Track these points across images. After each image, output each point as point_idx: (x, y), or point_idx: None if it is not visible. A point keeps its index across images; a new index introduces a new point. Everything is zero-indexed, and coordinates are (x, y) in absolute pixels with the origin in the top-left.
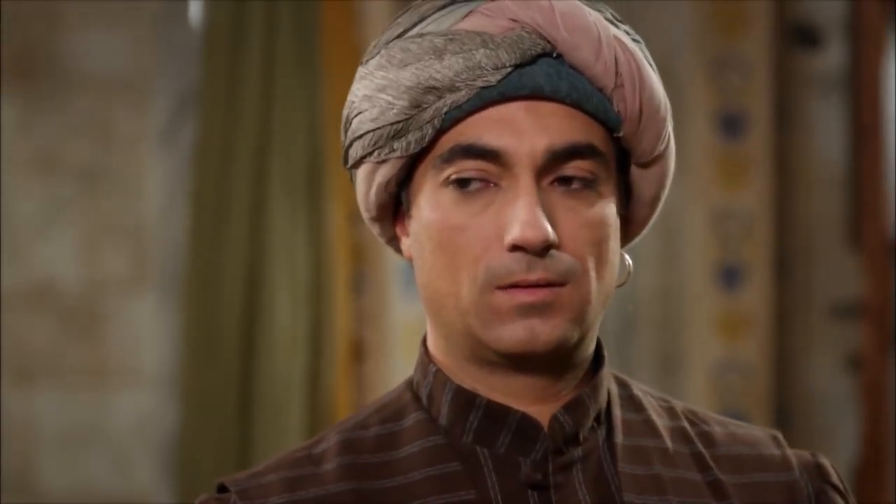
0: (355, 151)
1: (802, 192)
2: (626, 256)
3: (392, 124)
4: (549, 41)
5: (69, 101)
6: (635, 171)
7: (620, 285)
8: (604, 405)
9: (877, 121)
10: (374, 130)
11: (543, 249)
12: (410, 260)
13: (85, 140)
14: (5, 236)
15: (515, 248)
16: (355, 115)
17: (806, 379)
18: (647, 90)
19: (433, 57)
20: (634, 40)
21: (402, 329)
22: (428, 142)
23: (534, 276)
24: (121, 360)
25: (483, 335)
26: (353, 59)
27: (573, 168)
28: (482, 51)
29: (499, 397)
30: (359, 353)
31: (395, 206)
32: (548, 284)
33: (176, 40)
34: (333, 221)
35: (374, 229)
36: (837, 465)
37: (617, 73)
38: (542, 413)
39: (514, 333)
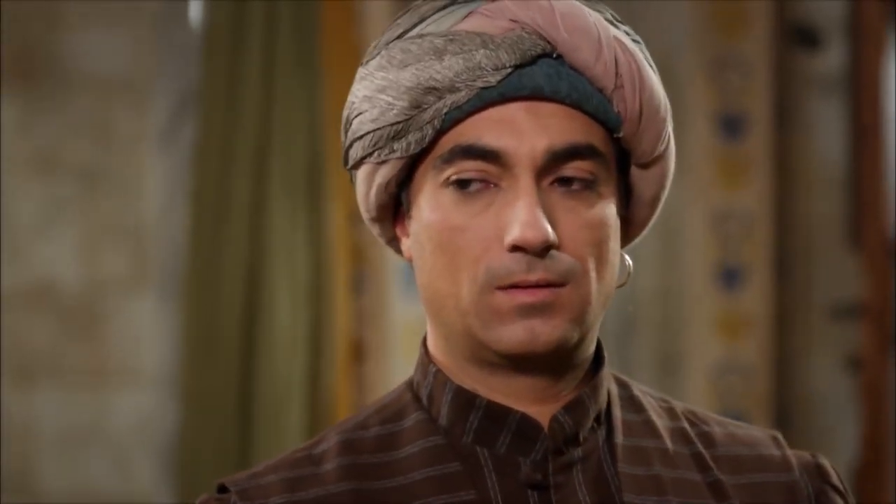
0: (355, 152)
1: (802, 192)
2: (627, 257)
3: (392, 125)
4: (549, 42)
5: (69, 101)
6: (635, 172)
7: (620, 286)
8: (604, 406)
9: (877, 121)
10: (374, 131)
11: (543, 250)
12: (410, 260)
13: (85, 140)
14: (5, 236)
15: (515, 248)
16: (355, 116)
17: (806, 379)
18: (647, 91)
19: (433, 57)
20: (634, 41)
21: (402, 329)
22: (428, 142)
23: (534, 277)
24: (121, 360)
25: (483, 336)
26: (353, 59)
27: (573, 169)
28: (482, 51)
29: (499, 398)
30: (359, 353)
31: (395, 207)
32: (548, 285)
33: (176, 40)
34: (333, 221)
35: (375, 230)
36: (837, 465)
37: (617, 73)
38: (542, 413)
39: (514, 334)
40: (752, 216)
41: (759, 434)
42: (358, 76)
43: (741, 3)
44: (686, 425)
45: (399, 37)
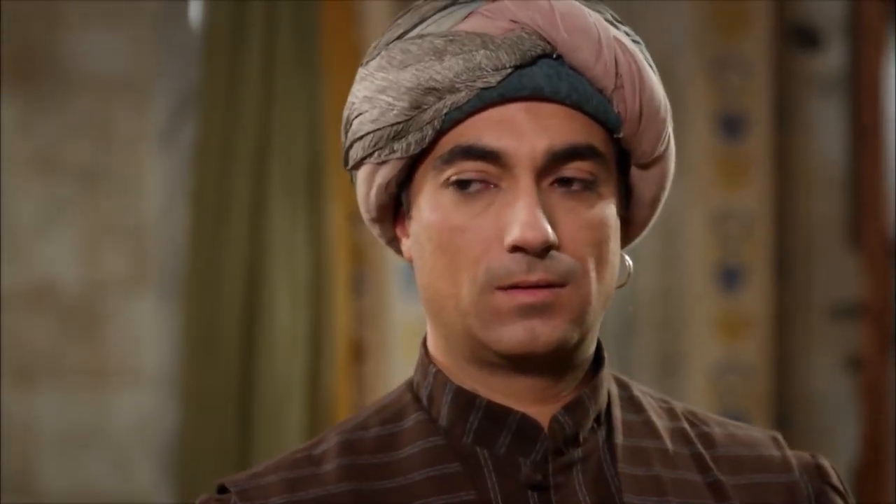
0: (355, 153)
1: (802, 192)
2: (627, 257)
3: (392, 125)
4: (549, 42)
5: (69, 101)
6: (635, 172)
7: (621, 286)
8: (604, 406)
9: (877, 121)
10: (374, 132)
11: (543, 250)
12: (411, 261)
13: (85, 140)
14: (5, 236)
15: (515, 248)
16: (355, 117)
17: (806, 379)
18: (647, 91)
19: (433, 58)
20: (634, 41)
21: (402, 329)
22: (428, 143)
23: (534, 277)
24: (121, 360)
25: (483, 336)
26: (353, 59)
27: (573, 169)
28: (482, 52)
29: (499, 398)
30: (359, 353)
31: (395, 208)
32: (548, 285)
33: (176, 40)
34: (333, 221)
35: (375, 230)
36: (837, 465)
37: (617, 74)
38: (542, 414)
39: (514, 334)
40: (752, 216)
41: (759, 435)
42: (358, 76)
43: (741, 3)
44: (686, 426)
45: (399, 37)
